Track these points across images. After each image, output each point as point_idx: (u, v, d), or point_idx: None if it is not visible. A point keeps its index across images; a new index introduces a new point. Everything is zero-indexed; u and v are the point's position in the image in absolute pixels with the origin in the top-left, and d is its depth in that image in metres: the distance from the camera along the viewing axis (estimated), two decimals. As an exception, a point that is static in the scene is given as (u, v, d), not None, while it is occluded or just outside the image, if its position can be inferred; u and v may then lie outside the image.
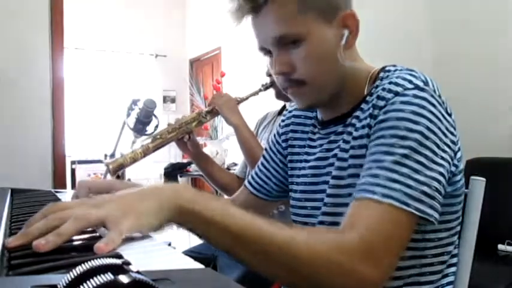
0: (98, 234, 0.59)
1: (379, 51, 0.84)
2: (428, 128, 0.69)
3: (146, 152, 1.44)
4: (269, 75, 1.59)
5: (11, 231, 0.63)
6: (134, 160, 1.42)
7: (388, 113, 0.71)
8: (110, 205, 0.56)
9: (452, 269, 0.82)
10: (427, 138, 0.69)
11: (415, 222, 0.68)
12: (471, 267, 0.83)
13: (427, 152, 0.68)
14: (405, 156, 0.67)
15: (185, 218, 0.59)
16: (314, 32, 0.76)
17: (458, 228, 0.81)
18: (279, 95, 1.60)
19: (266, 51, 0.82)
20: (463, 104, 0.79)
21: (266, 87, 1.59)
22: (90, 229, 0.63)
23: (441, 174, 0.69)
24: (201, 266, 0.45)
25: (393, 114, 0.70)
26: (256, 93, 1.61)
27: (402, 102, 0.70)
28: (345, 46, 0.78)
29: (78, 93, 5.39)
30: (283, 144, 0.98)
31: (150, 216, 0.57)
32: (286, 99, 1.63)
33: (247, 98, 1.61)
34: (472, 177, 0.81)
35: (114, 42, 5.77)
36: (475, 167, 0.80)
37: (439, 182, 0.69)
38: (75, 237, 0.58)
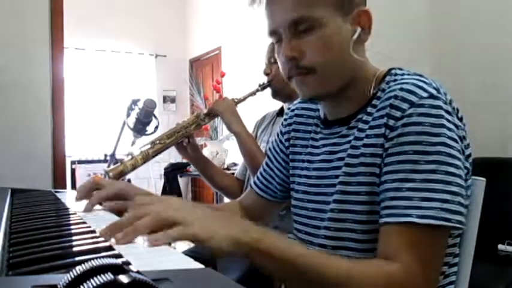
0: (98, 234, 0.59)
1: (378, 51, 0.84)
2: (449, 137, 0.69)
3: (146, 158, 1.46)
4: (266, 74, 1.59)
5: (11, 231, 0.63)
6: (134, 167, 1.44)
7: (407, 126, 0.70)
8: (188, 212, 0.60)
9: (454, 269, 0.82)
10: (450, 147, 0.69)
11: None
12: (471, 267, 0.83)
13: (455, 161, 0.69)
14: (433, 171, 0.67)
15: (251, 254, 0.61)
16: (329, 21, 0.76)
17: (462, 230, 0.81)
18: (276, 95, 1.59)
19: (277, 36, 0.81)
20: (462, 104, 0.78)
21: (263, 87, 1.59)
22: (90, 229, 0.63)
23: (465, 180, 0.70)
24: (201, 266, 0.45)
25: (413, 129, 0.70)
26: (253, 93, 1.61)
27: (420, 115, 0.70)
28: (357, 42, 0.79)
29: (78, 93, 5.38)
30: (286, 143, 0.98)
31: (219, 241, 0.58)
32: (283, 99, 1.62)
33: (244, 99, 1.61)
34: (472, 177, 0.81)
35: (114, 42, 5.77)
36: (475, 167, 0.80)
37: (465, 188, 0.70)
38: (75, 238, 0.58)
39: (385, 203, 0.71)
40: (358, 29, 0.78)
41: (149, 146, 1.48)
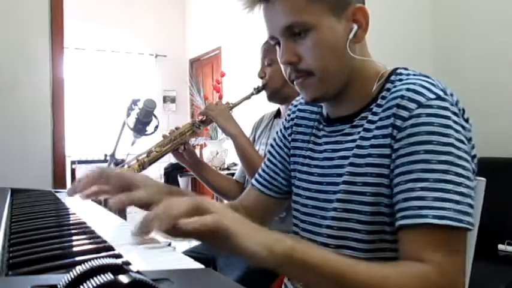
0: (97, 234, 0.59)
1: (379, 51, 0.84)
2: (457, 139, 0.69)
3: (143, 166, 1.50)
4: (261, 77, 1.58)
5: (11, 231, 0.63)
6: None
7: (416, 126, 0.70)
8: (222, 209, 0.60)
9: (453, 269, 0.81)
10: (458, 148, 0.69)
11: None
12: (471, 267, 0.83)
13: (463, 163, 0.69)
14: (446, 171, 0.67)
15: (286, 264, 0.60)
16: (322, 23, 0.76)
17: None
18: (271, 97, 1.58)
19: (276, 40, 0.82)
20: (463, 102, 0.78)
21: (258, 91, 1.58)
22: (90, 229, 0.63)
23: (472, 182, 0.70)
24: (201, 266, 0.45)
25: (423, 128, 0.70)
26: (248, 97, 1.60)
27: (429, 115, 0.70)
28: (354, 40, 0.79)
29: (78, 93, 5.39)
30: (289, 138, 0.98)
31: (255, 244, 0.58)
32: (279, 102, 1.62)
33: (239, 103, 1.60)
34: (472, 177, 0.81)
35: (114, 42, 5.77)
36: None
37: (473, 190, 0.70)
38: (75, 238, 0.58)
39: (399, 205, 0.70)
40: (355, 27, 0.78)
41: (145, 154, 1.50)
